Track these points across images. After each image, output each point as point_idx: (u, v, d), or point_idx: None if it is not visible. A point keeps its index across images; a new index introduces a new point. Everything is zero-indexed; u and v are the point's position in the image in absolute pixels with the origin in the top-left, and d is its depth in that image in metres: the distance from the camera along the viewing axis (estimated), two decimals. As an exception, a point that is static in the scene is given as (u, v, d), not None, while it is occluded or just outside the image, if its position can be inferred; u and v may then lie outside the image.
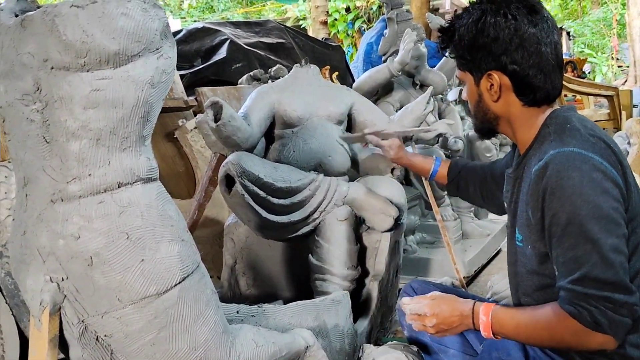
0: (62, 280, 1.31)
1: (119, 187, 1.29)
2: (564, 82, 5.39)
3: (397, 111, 3.02)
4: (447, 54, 1.68)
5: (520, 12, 1.48)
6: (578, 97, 10.09)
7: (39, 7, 1.29)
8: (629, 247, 1.39)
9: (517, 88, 1.52)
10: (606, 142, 1.43)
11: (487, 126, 1.66)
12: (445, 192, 4.00)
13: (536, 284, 1.56)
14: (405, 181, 3.85)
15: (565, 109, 1.56)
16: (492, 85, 1.54)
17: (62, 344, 1.41)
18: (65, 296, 1.33)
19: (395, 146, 2.29)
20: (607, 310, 1.32)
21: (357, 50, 10.38)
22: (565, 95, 9.96)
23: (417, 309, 1.64)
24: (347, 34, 14.07)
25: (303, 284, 2.45)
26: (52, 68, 1.21)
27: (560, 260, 1.39)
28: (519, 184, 1.57)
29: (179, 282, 1.35)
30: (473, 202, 2.20)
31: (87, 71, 1.22)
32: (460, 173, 2.10)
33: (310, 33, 10.58)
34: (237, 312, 1.77)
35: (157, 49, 1.30)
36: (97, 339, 1.37)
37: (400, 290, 2.25)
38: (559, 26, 1.66)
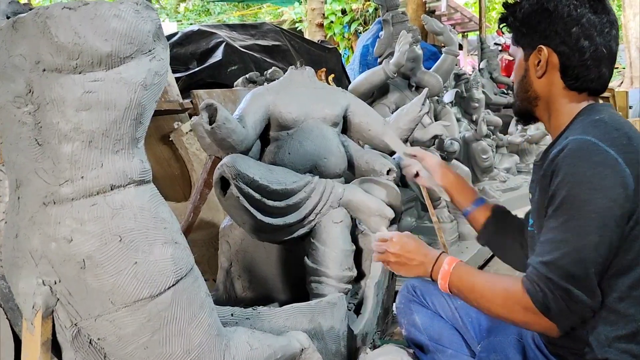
0: (55, 283, 1.30)
1: (111, 189, 1.29)
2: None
3: (392, 113, 3.02)
4: (501, 29, 1.71)
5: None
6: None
7: (31, 9, 1.28)
8: (634, 249, 1.37)
9: (562, 68, 1.53)
10: (630, 138, 1.41)
11: (525, 107, 1.66)
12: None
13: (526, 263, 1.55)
14: (401, 183, 3.85)
15: (602, 104, 1.56)
16: (539, 60, 1.56)
17: (55, 348, 1.40)
18: (58, 299, 1.32)
19: (435, 158, 2.14)
20: (561, 300, 1.32)
21: (353, 52, 10.39)
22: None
23: (385, 234, 1.69)
24: (343, 37, 14.08)
25: (299, 286, 2.45)
26: (44, 70, 1.21)
27: (542, 238, 1.40)
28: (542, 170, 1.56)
29: (173, 285, 1.34)
30: (506, 259, 2.01)
31: (79, 73, 1.21)
32: (502, 221, 1.99)
33: (307, 35, 10.58)
34: (232, 314, 1.76)
35: (150, 51, 1.29)
36: (90, 342, 1.36)
37: (397, 292, 2.24)
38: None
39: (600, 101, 1.59)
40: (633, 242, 1.37)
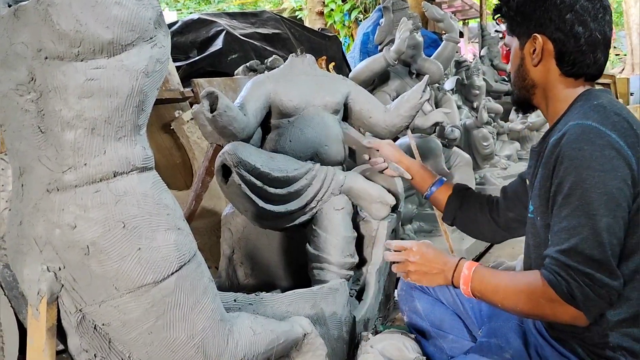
0: (59, 269, 1.31)
1: (114, 176, 1.30)
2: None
3: (393, 100, 3.02)
4: (497, 20, 1.72)
5: None
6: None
7: (32, -3, 1.28)
8: (638, 233, 1.38)
9: (558, 55, 1.55)
10: (630, 123, 1.42)
11: (523, 95, 1.67)
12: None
13: (543, 256, 1.56)
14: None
15: (600, 89, 1.57)
16: (534, 49, 1.58)
17: (60, 334, 1.42)
18: (63, 285, 1.33)
19: (391, 145, 2.30)
20: (585, 286, 1.32)
21: (353, 40, 10.35)
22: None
23: (404, 243, 1.69)
24: (344, 24, 14.01)
25: (301, 273, 2.46)
26: (46, 58, 1.21)
27: (555, 229, 1.40)
28: (541, 157, 1.55)
29: (176, 271, 1.35)
30: (478, 233, 2.12)
31: (81, 60, 1.21)
32: (465, 198, 2.07)
33: (307, 24, 10.57)
34: (235, 300, 1.77)
35: (151, 38, 1.29)
36: (94, 328, 1.38)
37: (398, 278, 2.26)
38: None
39: (597, 87, 1.59)
40: (637, 226, 1.37)
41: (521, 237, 1.83)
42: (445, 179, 2.16)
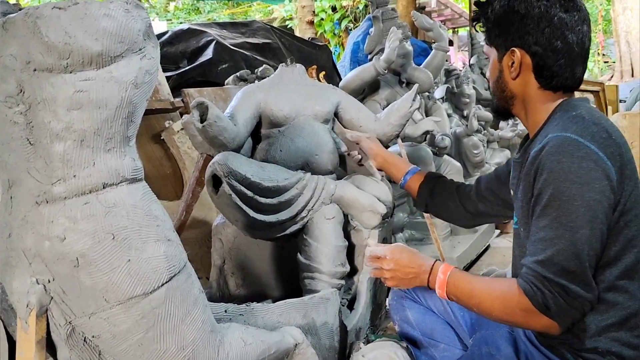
0: (49, 281, 1.30)
1: (104, 187, 1.29)
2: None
3: (383, 109, 3.03)
4: (476, 26, 1.71)
5: None
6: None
7: (20, 9, 1.28)
8: (620, 240, 1.40)
9: (536, 69, 1.55)
10: (609, 132, 1.42)
11: (503, 105, 1.68)
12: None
13: (520, 265, 1.57)
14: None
15: (578, 99, 1.57)
16: (513, 62, 1.57)
17: (50, 346, 1.41)
18: (52, 298, 1.33)
19: (372, 139, 2.38)
20: (559, 297, 1.34)
21: (344, 49, 10.38)
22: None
23: (377, 251, 1.71)
24: (334, 34, 14.07)
25: (292, 282, 2.46)
26: (34, 70, 1.21)
27: (532, 238, 1.42)
28: (523, 168, 1.56)
29: (166, 282, 1.35)
30: (448, 217, 2.22)
31: (70, 72, 1.21)
32: (436, 185, 2.13)
33: (297, 33, 10.57)
34: (226, 311, 1.77)
35: (140, 50, 1.30)
36: (84, 340, 1.37)
37: (389, 288, 2.26)
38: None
39: (585, 94, 1.60)
40: (618, 234, 1.39)
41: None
42: (419, 168, 2.23)
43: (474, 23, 1.71)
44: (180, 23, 15.76)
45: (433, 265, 1.62)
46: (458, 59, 14.50)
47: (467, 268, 3.76)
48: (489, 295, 1.48)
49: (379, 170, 2.35)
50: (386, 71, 3.76)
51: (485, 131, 5.78)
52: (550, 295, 1.34)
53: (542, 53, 1.52)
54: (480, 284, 1.53)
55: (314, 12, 11.82)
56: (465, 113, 5.46)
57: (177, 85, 4.62)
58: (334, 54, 10.45)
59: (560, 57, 1.51)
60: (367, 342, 2.11)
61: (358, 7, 13.67)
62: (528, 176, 1.44)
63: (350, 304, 2.42)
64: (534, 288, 1.37)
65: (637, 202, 1.43)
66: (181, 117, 3.52)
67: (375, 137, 2.43)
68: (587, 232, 1.33)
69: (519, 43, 1.55)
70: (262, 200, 2.24)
